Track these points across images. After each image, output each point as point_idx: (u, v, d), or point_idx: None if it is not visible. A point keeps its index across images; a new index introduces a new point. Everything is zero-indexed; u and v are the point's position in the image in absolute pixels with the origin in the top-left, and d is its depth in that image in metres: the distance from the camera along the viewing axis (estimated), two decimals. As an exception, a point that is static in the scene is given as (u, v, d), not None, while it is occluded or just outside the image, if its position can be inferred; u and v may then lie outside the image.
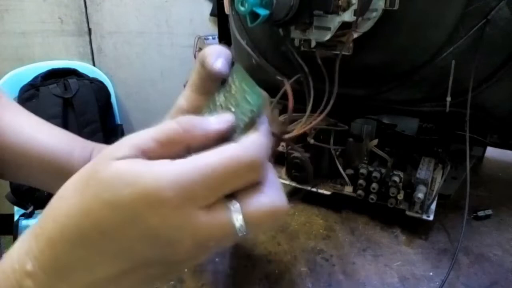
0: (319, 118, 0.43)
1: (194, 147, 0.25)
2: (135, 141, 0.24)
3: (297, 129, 0.43)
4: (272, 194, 0.25)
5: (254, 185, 0.25)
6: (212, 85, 0.35)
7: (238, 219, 0.24)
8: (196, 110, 0.35)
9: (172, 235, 0.23)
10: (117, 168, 0.23)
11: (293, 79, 0.45)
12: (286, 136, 0.40)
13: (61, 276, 0.24)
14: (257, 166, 0.24)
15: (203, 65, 0.34)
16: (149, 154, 0.24)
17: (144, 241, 0.23)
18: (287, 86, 0.34)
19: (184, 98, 0.37)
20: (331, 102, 0.44)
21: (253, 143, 0.25)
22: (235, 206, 0.24)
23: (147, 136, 0.24)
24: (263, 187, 0.25)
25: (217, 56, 0.33)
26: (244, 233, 0.24)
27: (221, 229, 0.24)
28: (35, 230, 0.25)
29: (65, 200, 0.25)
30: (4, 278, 0.25)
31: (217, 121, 0.26)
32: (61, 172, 0.48)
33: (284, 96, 0.38)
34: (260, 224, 0.24)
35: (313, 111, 0.45)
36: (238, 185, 0.24)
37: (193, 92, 0.37)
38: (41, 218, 0.25)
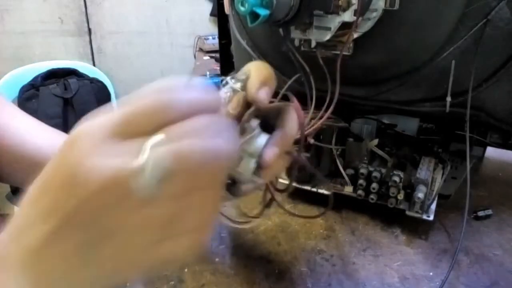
0: (324, 118, 0.43)
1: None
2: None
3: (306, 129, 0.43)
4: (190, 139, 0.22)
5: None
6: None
7: (144, 150, 0.21)
8: None
9: (84, 165, 0.22)
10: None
11: (293, 78, 0.45)
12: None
13: (11, 235, 0.26)
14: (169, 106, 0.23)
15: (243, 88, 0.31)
16: (119, 131, 0.23)
17: (64, 187, 0.23)
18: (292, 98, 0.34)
19: None
20: (334, 101, 0.44)
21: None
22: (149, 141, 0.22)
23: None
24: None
25: (262, 84, 0.31)
26: (145, 167, 0.21)
27: (126, 154, 0.22)
28: None
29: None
30: None
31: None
32: None
33: (285, 97, 0.38)
34: (162, 162, 0.21)
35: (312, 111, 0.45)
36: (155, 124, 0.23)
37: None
38: None
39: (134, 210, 0.22)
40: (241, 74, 0.31)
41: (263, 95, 0.31)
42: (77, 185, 0.22)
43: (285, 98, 0.36)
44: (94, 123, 0.24)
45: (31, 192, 0.25)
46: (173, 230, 0.24)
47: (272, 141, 0.30)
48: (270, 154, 0.30)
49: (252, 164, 0.30)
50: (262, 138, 0.30)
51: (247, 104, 0.31)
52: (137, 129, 0.23)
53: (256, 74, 0.31)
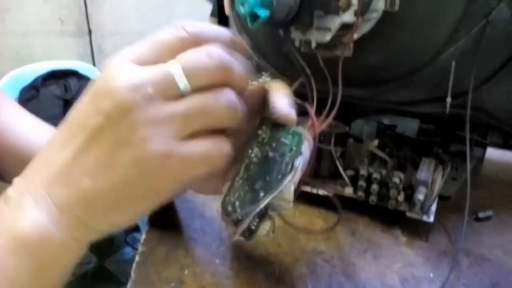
0: (328, 120, 0.43)
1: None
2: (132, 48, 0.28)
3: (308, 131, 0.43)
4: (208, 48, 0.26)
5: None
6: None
7: (173, 63, 0.26)
8: None
9: (109, 80, 0.25)
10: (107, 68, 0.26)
11: (298, 81, 0.45)
12: None
13: (32, 169, 0.27)
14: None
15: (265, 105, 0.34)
16: (142, 59, 0.27)
17: (96, 98, 0.25)
18: (310, 110, 0.35)
19: None
20: (337, 103, 0.44)
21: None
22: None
23: (142, 42, 0.29)
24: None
25: (289, 105, 0.33)
26: (183, 70, 0.25)
27: (157, 71, 0.25)
28: None
29: None
30: None
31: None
32: None
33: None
34: (194, 63, 0.26)
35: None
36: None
37: None
38: None
39: (162, 106, 0.25)
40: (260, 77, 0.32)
41: (292, 114, 0.33)
42: (110, 91, 0.24)
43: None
44: (118, 55, 0.27)
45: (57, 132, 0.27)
46: (197, 123, 0.26)
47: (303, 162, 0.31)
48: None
49: (292, 187, 0.30)
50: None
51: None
52: (156, 58, 0.27)
53: (282, 91, 0.34)
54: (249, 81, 0.30)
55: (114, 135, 0.24)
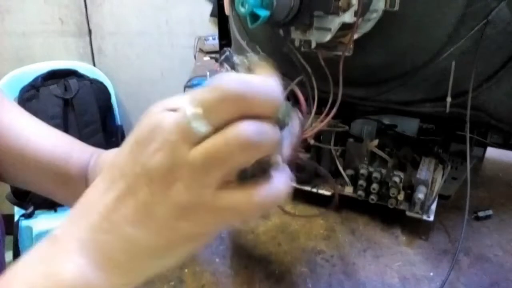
0: (327, 119, 0.43)
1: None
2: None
3: (308, 131, 0.43)
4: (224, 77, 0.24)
5: None
6: None
7: (188, 108, 0.23)
8: None
9: (145, 127, 0.25)
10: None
11: (296, 80, 0.45)
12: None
13: (77, 217, 0.27)
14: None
15: None
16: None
17: (130, 150, 0.25)
18: (297, 91, 0.34)
19: None
20: (337, 103, 0.44)
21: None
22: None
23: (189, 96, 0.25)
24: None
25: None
26: (198, 117, 0.23)
27: (175, 117, 0.24)
28: None
29: None
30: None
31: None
32: (58, 176, 0.48)
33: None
34: (210, 103, 0.23)
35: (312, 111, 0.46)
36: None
37: None
38: None
39: (184, 154, 0.24)
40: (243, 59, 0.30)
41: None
42: (150, 138, 0.24)
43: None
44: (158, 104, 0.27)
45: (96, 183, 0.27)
46: (217, 172, 0.24)
47: (287, 142, 0.30)
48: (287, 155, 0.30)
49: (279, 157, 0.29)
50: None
51: None
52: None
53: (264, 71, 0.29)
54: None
55: (148, 185, 0.24)
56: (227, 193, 0.24)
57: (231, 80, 0.23)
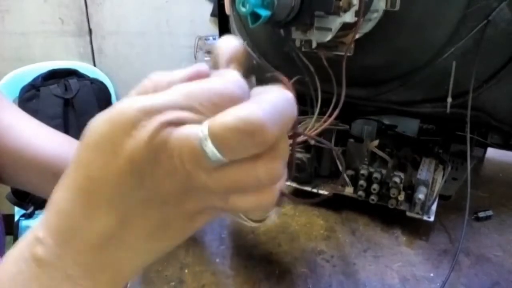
0: (330, 119, 0.43)
1: None
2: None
3: (311, 131, 0.43)
4: (242, 107, 0.21)
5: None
6: None
7: (201, 130, 0.21)
8: None
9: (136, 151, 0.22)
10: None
11: (294, 78, 0.45)
12: (300, 138, 0.40)
13: (65, 239, 0.24)
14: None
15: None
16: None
17: (119, 174, 0.22)
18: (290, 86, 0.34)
19: None
20: (341, 103, 0.44)
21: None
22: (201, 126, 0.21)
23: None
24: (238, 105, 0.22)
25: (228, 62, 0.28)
26: (207, 143, 0.21)
27: (185, 142, 0.21)
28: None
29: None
30: (20, 250, 0.25)
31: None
32: (58, 177, 0.48)
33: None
34: (224, 137, 0.20)
35: (313, 112, 0.46)
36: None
37: None
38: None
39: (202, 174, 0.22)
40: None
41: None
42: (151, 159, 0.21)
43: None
44: (123, 104, 0.24)
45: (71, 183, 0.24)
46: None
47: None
48: None
49: None
50: None
51: None
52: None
53: (222, 52, 0.28)
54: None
55: (160, 208, 0.24)
56: (240, 198, 0.23)
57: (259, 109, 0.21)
